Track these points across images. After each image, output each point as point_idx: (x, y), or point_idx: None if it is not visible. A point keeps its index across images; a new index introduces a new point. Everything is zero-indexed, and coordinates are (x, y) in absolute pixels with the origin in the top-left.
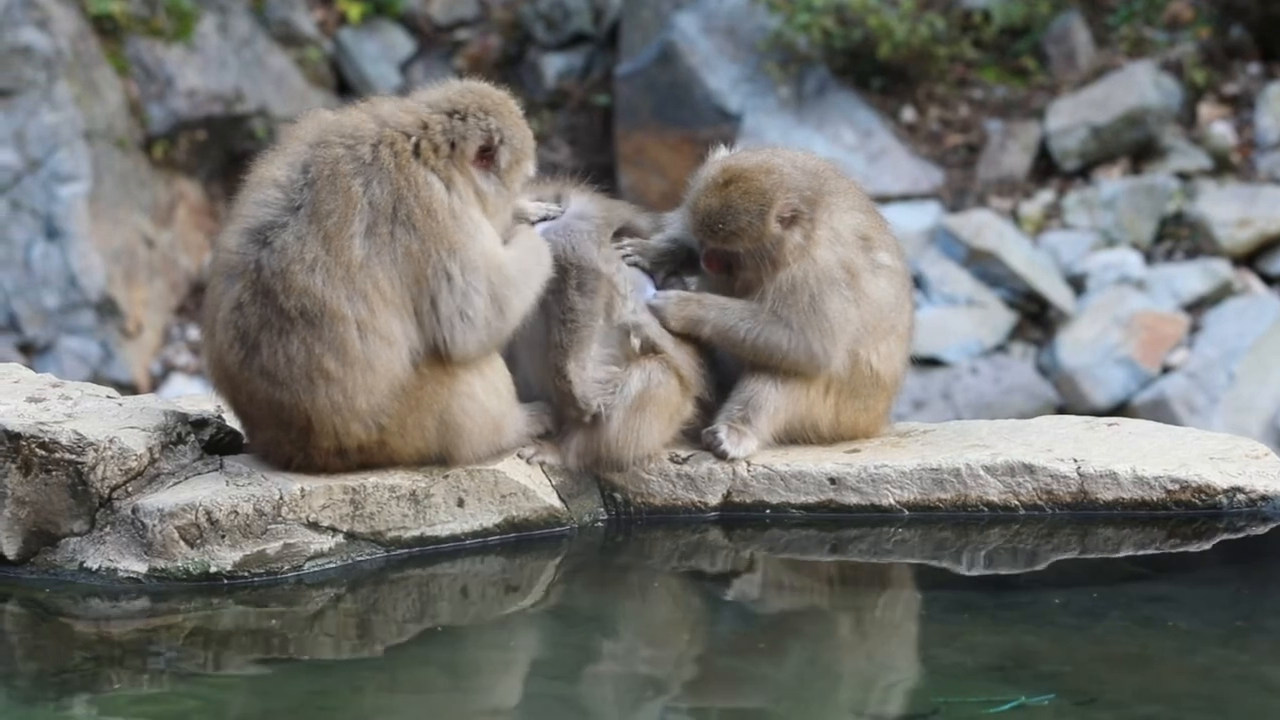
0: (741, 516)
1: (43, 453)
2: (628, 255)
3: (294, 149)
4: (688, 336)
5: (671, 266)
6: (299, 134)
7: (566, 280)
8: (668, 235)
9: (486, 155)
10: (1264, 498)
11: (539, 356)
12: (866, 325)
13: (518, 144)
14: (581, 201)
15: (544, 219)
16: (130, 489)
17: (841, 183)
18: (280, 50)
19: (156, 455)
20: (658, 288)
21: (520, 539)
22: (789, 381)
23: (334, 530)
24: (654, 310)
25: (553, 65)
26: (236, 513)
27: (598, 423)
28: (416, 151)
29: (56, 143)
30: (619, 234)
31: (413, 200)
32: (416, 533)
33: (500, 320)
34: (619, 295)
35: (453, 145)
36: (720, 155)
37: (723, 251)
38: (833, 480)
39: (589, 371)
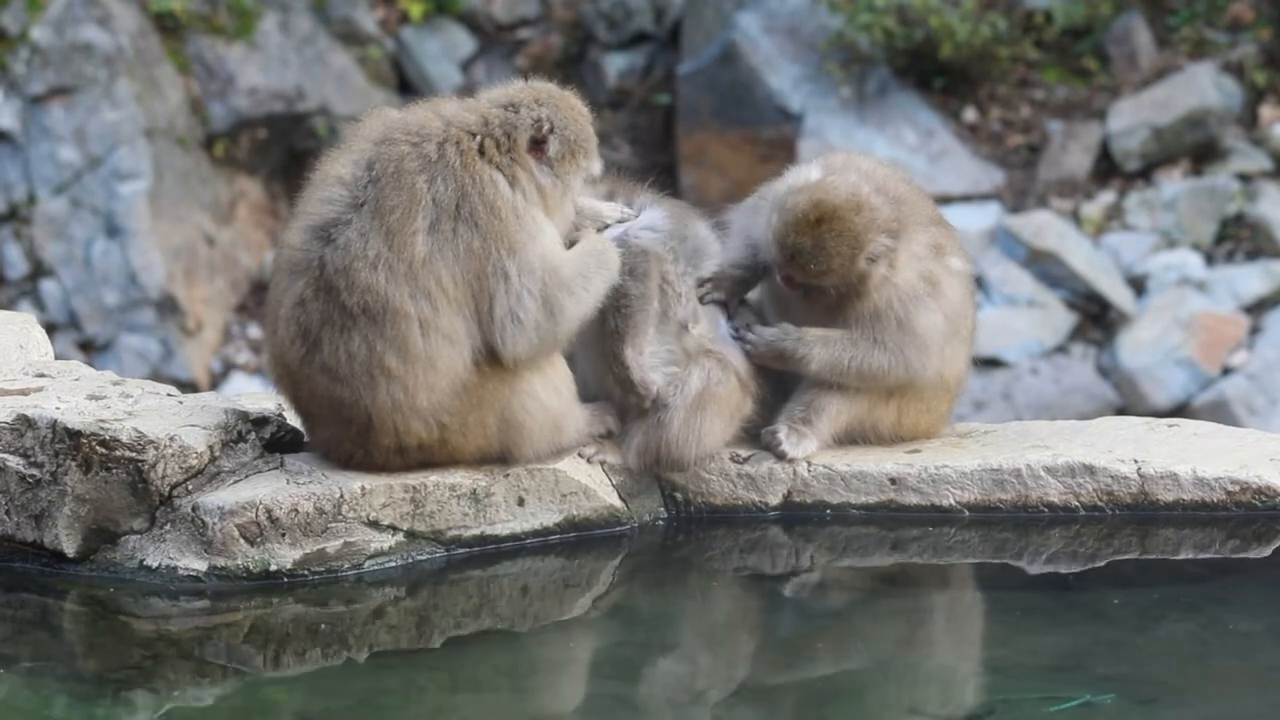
0: (802, 516)
1: (103, 450)
2: (708, 295)
3: (359, 147)
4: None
5: (742, 293)
6: (364, 132)
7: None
8: (735, 262)
9: (539, 145)
10: None
11: (595, 355)
12: None
13: (570, 134)
14: (652, 209)
15: (619, 222)
16: (190, 487)
17: (917, 207)
18: (341, 48)
19: (217, 453)
20: (729, 316)
21: (580, 538)
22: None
23: (394, 529)
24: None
25: (614, 64)
26: (297, 511)
27: (659, 417)
28: (481, 150)
29: (117, 140)
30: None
31: (477, 198)
32: (477, 531)
33: (551, 323)
34: (674, 291)
35: (509, 138)
36: (803, 179)
37: (807, 284)
38: (893, 480)
39: (646, 359)
